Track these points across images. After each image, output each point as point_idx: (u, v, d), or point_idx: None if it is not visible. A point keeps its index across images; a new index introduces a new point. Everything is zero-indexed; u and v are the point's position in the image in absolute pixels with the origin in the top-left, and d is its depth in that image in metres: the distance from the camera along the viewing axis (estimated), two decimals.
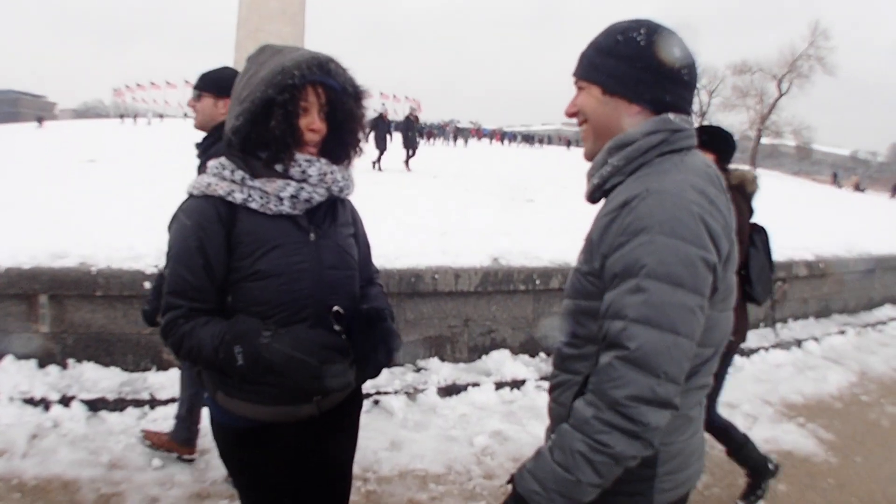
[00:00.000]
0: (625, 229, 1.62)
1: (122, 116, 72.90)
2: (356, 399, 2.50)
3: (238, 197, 2.07)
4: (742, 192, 4.28)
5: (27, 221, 7.26)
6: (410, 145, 23.07)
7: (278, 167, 2.10)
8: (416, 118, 25.24)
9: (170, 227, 2.13)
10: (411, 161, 22.71)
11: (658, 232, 1.56)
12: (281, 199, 2.10)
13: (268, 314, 2.07)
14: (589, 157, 1.92)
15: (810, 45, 68.11)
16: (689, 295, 1.55)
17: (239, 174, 2.09)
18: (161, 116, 78.60)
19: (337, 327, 2.11)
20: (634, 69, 1.77)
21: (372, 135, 19.45)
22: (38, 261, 5.46)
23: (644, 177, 1.70)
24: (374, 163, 21.28)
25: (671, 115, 1.77)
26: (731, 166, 4.26)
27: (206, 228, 2.05)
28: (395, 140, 23.45)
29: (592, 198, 1.89)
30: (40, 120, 57.07)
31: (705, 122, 71.47)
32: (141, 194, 10.41)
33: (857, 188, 59.73)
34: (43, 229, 6.64)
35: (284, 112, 2.05)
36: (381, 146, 21.68)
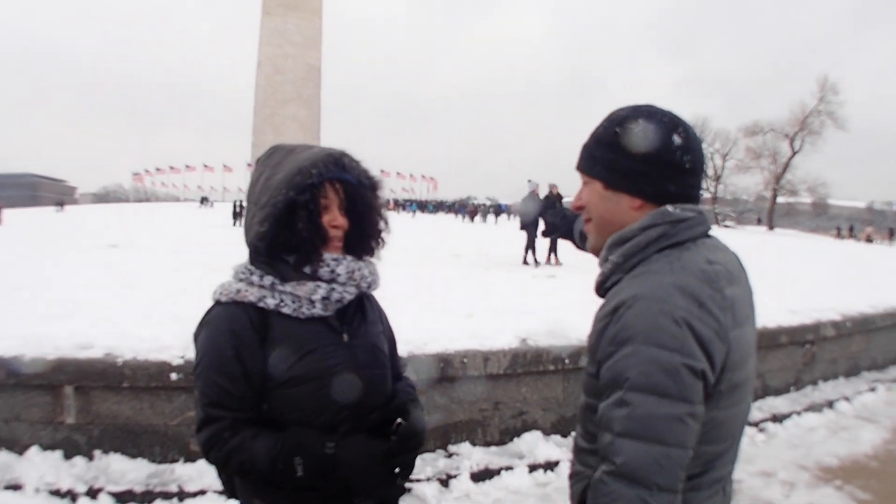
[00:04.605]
0: (613, 338, 1.61)
1: (202, 200, 74.75)
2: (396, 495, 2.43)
3: (270, 302, 2.03)
4: None
5: (51, 309, 7.28)
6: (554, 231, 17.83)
7: (307, 269, 2.08)
8: (560, 195, 18.37)
9: (197, 337, 2.08)
10: (553, 251, 17.80)
11: (641, 342, 1.54)
12: (313, 302, 2.06)
13: (306, 419, 2.02)
14: (594, 250, 1.91)
15: (820, 101, 69.05)
16: (676, 404, 1.52)
17: (268, 279, 2.05)
18: (206, 200, 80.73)
19: (394, 438, 2.07)
20: (634, 162, 1.74)
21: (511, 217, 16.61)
22: (63, 351, 5.48)
23: (637, 277, 1.67)
24: (527, 255, 17.45)
25: (670, 207, 1.73)
26: None
27: (240, 335, 2.00)
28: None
29: (599, 292, 1.85)
30: (61, 204, 57.96)
31: (720, 186, 72.12)
32: (164, 281, 10.51)
33: (868, 240, 60.12)
34: (67, 318, 6.64)
35: (308, 212, 2.04)
36: (535, 233, 17.16)
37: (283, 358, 2.01)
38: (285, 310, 2.03)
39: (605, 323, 1.66)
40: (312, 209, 2.04)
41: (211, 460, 2.03)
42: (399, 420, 2.11)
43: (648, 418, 1.50)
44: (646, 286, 1.61)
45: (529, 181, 18.19)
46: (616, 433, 1.53)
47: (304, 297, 2.04)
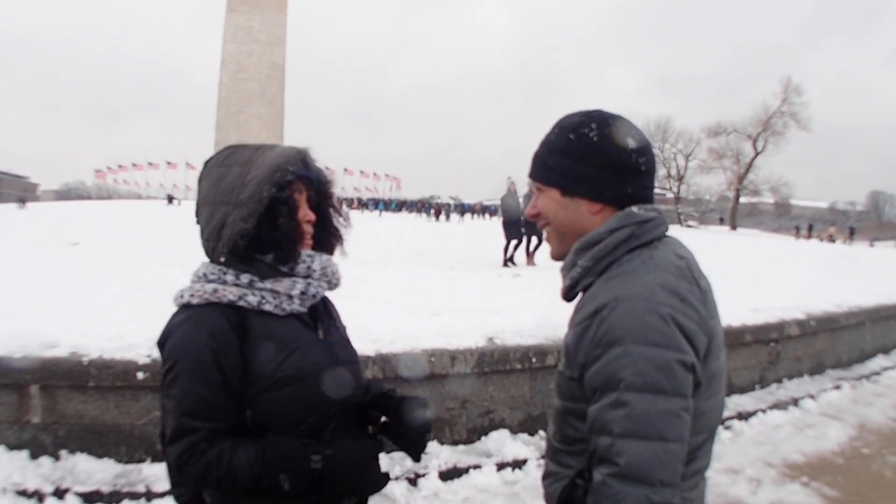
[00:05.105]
0: (599, 341, 1.60)
1: (170, 199, 73.09)
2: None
3: (252, 300, 1.97)
4: None
5: (15, 308, 7.16)
6: (534, 230, 16.26)
7: (285, 267, 2.05)
8: None
9: (164, 343, 1.98)
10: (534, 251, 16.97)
11: (631, 342, 1.54)
12: (291, 298, 2.03)
13: (298, 422, 1.97)
14: (556, 257, 1.90)
15: (783, 102, 70.14)
16: (672, 399, 1.53)
17: (245, 278, 1.99)
18: (173, 198, 78.98)
19: (371, 429, 2.11)
20: (591, 167, 1.75)
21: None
22: (28, 350, 5.37)
23: (613, 279, 1.68)
24: (508, 257, 16.68)
25: (635, 208, 1.74)
26: None
27: (218, 339, 1.91)
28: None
29: (567, 297, 1.86)
30: (23, 201, 56.99)
31: (683, 186, 72.69)
32: (128, 279, 10.37)
33: (830, 239, 61.20)
34: (31, 316, 6.55)
35: (289, 209, 2.03)
36: (516, 233, 16.71)
37: (268, 359, 1.95)
38: (267, 307, 1.98)
39: (584, 326, 1.65)
40: (292, 206, 2.04)
41: (185, 475, 1.92)
42: (384, 419, 2.11)
43: (648, 416, 1.50)
44: (626, 286, 1.62)
45: (508, 178, 18.00)
46: (616, 434, 1.52)
47: (284, 293, 2.01)
